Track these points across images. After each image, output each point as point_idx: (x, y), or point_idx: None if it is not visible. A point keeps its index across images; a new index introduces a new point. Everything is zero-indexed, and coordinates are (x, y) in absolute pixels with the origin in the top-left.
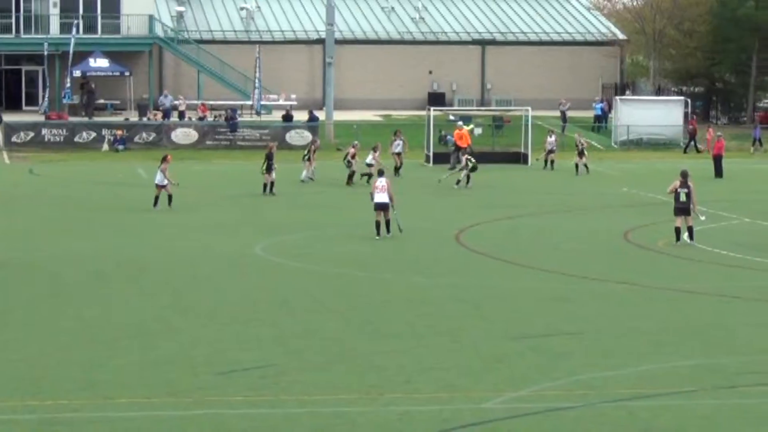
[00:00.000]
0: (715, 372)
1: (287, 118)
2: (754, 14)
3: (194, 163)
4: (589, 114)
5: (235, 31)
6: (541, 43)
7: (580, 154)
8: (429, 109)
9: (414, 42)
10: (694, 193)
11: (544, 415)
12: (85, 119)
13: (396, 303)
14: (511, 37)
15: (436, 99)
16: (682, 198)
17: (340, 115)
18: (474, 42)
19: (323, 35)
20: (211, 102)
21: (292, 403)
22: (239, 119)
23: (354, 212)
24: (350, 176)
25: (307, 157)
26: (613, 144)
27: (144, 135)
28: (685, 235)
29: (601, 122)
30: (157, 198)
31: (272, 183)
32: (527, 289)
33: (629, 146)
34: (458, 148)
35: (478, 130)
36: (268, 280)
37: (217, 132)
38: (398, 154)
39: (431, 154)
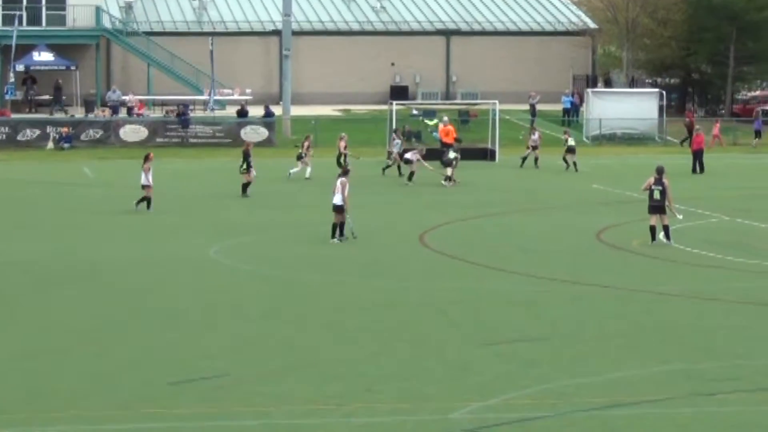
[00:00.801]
0: (692, 378)
1: (242, 113)
2: (730, 2)
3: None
4: (560, 107)
5: (186, 22)
6: (508, 33)
7: (571, 150)
8: (391, 103)
9: (375, 32)
10: (670, 190)
11: (514, 425)
12: (29, 116)
13: (356, 308)
14: (477, 27)
15: (399, 92)
16: (656, 195)
17: (297, 110)
18: (438, 32)
19: (280, 26)
20: (162, 97)
21: (248, 415)
22: (191, 115)
23: (316, 212)
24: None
25: (302, 156)
26: (584, 138)
27: (91, 132)
28: (660, 235)
29: (570, 116)
30: (143, 199)
31: (248, 185)
32: (495, 292)
33: (601, 141)
34: (444, 145)
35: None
36: (222, 285)
37: (168, 129)
38: (400, 154)
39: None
